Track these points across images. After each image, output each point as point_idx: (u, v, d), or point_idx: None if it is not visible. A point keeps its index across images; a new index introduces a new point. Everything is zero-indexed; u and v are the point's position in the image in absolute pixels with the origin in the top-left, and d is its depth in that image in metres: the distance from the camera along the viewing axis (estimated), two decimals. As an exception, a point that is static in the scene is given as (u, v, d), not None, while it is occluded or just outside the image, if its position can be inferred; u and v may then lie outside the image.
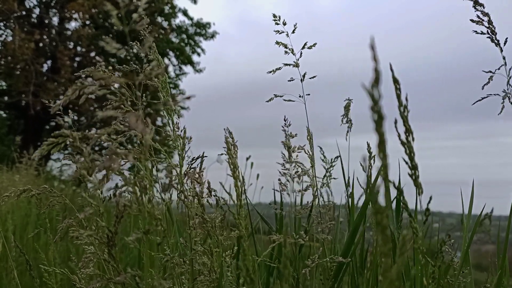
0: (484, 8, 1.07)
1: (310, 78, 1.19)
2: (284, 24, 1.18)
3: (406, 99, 0.60)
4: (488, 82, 1.12)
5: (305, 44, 1.20)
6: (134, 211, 0.64)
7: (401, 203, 0.70)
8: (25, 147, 7.14)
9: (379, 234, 0.42)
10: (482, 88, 1.12)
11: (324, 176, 1.38)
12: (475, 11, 1.08)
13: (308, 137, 1.18)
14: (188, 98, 0.59)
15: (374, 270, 1.09)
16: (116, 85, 0.68)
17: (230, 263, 1.03)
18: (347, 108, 1.44)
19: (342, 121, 1.44)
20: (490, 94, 1.12)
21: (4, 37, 11.04)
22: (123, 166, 0.71)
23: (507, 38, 1.08)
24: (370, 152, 1.26)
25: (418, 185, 0.63)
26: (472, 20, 1.09)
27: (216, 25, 15.01)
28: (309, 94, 1.19)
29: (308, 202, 1.13)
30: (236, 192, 0.78)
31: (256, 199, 2.12)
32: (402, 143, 0.60)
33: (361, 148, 1.31)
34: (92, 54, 11.95)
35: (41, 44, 11.40)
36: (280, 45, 1.19)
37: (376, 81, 0.38)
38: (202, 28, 13.36)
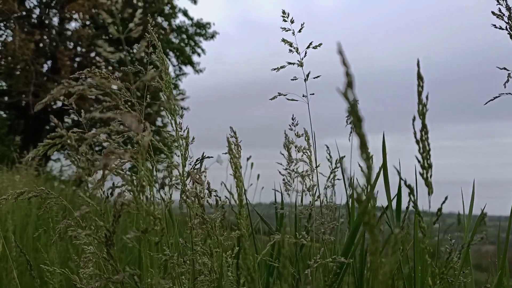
0: (507, 2, 1.06)
1: (314, 78, 1.19)
2: (292, 22, 1.17)
3: (427, 98, 0.60)
4: (508, 81, 1.09)
5: (311, 43, 1.19)
6: (133, 210, 0.63)
7: (412, 203, 0.69)
8: (25, 147, 7.14)
9: (368, 234, 0.42)
10: (504, 86, 1.09)
11: (329, 177, 1.38)
12: (497, 4, 1.07)
13: (306, 138, 1.18)
14: (183, 99, 0.59)
15: (374, 270, 1.09)
16: (114, 87, 0.68)
17: (231, 263, 1.02)
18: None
19: (346, 122, 1.44)
20: (502, 93, 1.09)
21: (4, 37, 11.06)
22: (123, 166, 0.71)
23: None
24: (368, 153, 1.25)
25: (429, 185, 0.62)
26: (493, 13, 1.07)
27: (216, 25, 15.05)
28: (313, 94, 1.18)
29: (309, 202, 1.13)
30: (237, 192, 0.78)
31: (256, 199, 2.12)
32: (417, 141, 0.60)
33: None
34: (92, 54, 11.95)
35: (41, 45, 11.41)
36: (286, 43, 1.19)
37: (349, 84, 0.38)
38: (202, 28, 13.37)
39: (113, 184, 0.65)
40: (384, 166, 1.03)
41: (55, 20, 11.89)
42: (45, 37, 11.40)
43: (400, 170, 0.68)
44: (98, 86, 0.61)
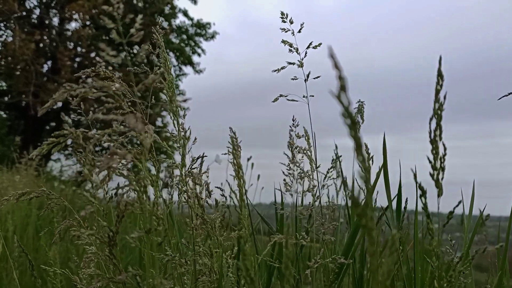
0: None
1: (314, 78, 1.19)
2: (291, 22, 1.17)
3: (445, 97, 0.59)
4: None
5: (310, 43, 1.19)
6: (137, 210, 0.64)
7: (423, 205, 0.68)
8: (25, 147, 7.14)
9: (366, 236, 0.42)
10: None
11: (325, 177, 1.38)
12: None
13: (306, 138, 1.18)
14: (185, 101, 0.59)
15: (373, 272, 1.09)
16: (117, 87, 0.68)
17: (232, 264, 1.03)
18: (360, 111, 1.43)
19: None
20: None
21: (4, 37, 11.06)
22: (125, 167, 0.71)
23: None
24: (368, 154, 1.26)
25: (439, 187, 0.61)
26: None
27: (216, 25, 15.03)
28: (313, 95, 1.18)
29: (310, 203, 1.14)
30: (239, 192, 0.78)
31: (256, 200, 2.12)
32: (431, 141, 0.59)
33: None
34: (93, 54, 11.95)
35: (41, 45, 11.40)
36: (286, 43, 1.19)
37: (343, 88, 0.39)
38: (202, 29, 13.36)
39: (118, 184, 0.65)
40: (384, 166, 1.04)
41: (55, 20, 11.89)
42: (45, 37, 11.39)
43: (400, 171, 0.68)
44: (100, 88, 0.61)
